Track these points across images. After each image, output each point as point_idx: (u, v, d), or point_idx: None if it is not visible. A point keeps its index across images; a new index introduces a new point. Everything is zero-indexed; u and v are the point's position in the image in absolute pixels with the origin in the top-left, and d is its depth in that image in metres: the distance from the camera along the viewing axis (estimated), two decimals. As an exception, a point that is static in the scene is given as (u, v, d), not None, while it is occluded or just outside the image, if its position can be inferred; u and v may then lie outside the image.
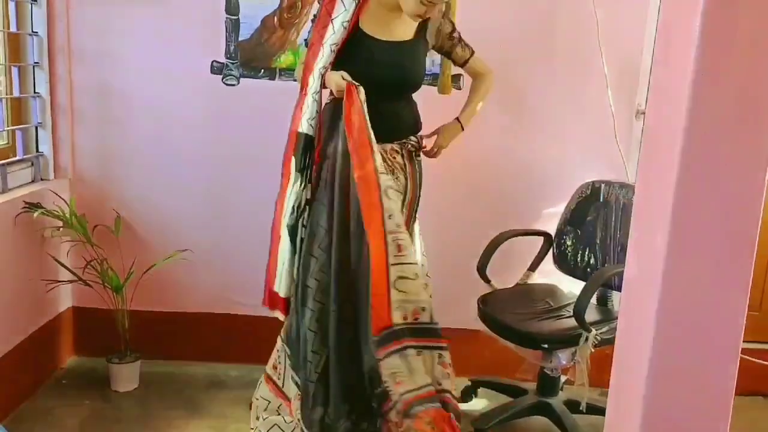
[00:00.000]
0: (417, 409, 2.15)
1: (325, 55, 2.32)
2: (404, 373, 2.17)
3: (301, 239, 2.39)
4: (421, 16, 2.33)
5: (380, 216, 2.19)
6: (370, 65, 2.34)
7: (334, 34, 2.31)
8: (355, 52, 2.34)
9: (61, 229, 2.85)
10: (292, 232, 2.37)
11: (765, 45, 1.34)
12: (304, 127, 2.35)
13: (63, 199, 2.88)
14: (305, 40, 2.47)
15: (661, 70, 1.68)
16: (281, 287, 2.41)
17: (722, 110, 1.43)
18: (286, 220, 2.37)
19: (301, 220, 2.39)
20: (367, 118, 2.20)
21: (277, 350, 2.52)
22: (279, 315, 2.46)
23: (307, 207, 2.40)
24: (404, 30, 2.41)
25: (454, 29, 2.51)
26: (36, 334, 2.85)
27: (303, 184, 2.38)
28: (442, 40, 2.50)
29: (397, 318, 2.17)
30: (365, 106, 2.20)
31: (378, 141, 2.24)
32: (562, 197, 2.92)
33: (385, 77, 2.35)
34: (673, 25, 1.50)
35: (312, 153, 2.38)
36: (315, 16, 2.43)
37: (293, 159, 2.37)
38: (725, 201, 1.49)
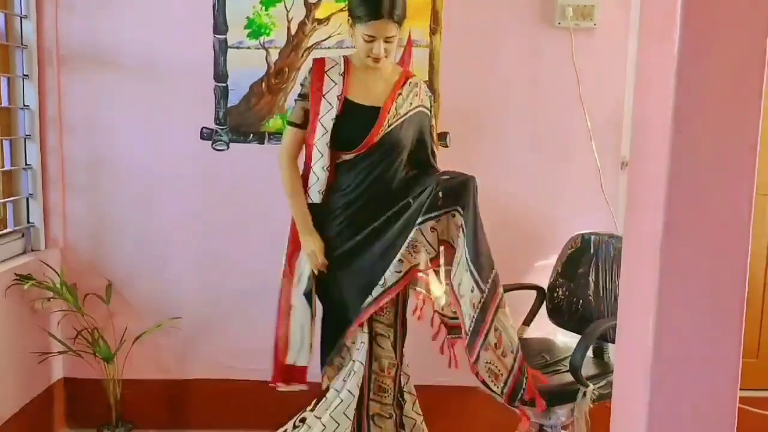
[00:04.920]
0: None
1: (323, 130, 2.38)
2: None
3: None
4: (372, 57, 2.34)
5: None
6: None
7: (332, 109, 2.38)
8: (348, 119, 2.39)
9: (51, 299, 2.83)
10: (309, 297, 2.47)
11: (737, 95, 1.37)
12: (314, 197, 2.44)
13: (54, 269, 2.87)
14: (288, 120, 2.51)
15: (641, 124, 1.71)
16: (301, 356, 2.49)
17: (702, 160, 1.46)
18: (301, 288, 2.47)
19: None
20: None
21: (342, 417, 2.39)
22: (297, 387, 2.52)
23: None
24: (384, 90, 2.44)
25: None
26: (28, 407, 2.80)
27: None
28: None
29: None
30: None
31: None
32: (553, 250, 2.93)
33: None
34: (650, 79, 1.54)
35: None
36: (300, 95, 2.46)
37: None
38: (712, 253, 1.49)
